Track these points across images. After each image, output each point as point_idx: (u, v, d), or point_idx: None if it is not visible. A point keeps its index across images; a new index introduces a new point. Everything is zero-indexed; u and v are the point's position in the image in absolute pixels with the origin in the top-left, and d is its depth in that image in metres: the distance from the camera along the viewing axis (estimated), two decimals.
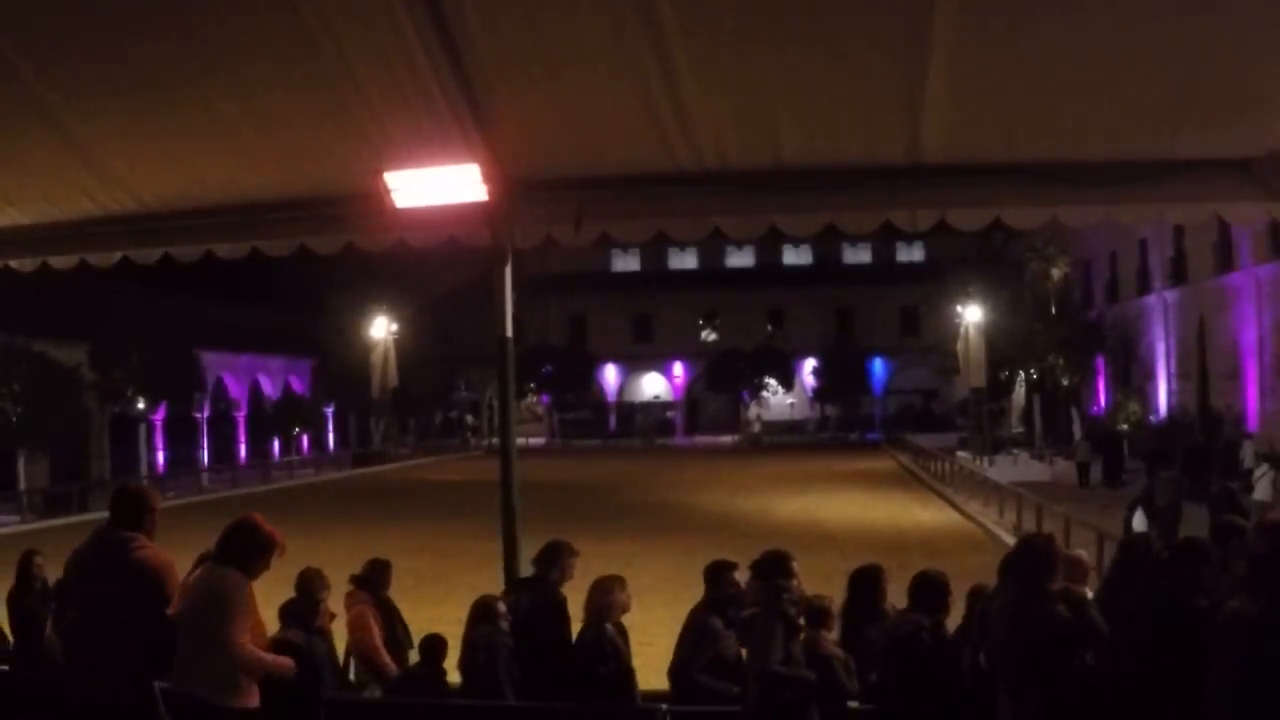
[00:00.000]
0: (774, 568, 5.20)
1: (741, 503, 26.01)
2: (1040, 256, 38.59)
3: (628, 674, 5.63)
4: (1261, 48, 4.70)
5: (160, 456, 40.53)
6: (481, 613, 5.71)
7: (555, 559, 5.94)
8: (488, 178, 5.71)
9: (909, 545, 17.47)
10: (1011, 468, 31.61)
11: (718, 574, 5.55)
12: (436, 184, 5.82)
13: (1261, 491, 16.47)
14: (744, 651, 5.29)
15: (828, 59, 5.03)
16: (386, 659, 6.24)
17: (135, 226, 6.70)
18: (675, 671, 5.48)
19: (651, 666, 6.16)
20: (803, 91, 5.29)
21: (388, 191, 5.84)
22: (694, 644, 5.41)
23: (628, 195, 6.14)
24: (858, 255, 65.60)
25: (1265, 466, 17.41)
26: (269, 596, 5.29)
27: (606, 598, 5.57)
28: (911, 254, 64.88)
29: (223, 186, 6.35)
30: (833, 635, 5.52)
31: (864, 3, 4.78)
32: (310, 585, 5.98)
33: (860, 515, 23.20)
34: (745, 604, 5.19)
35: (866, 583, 5.71)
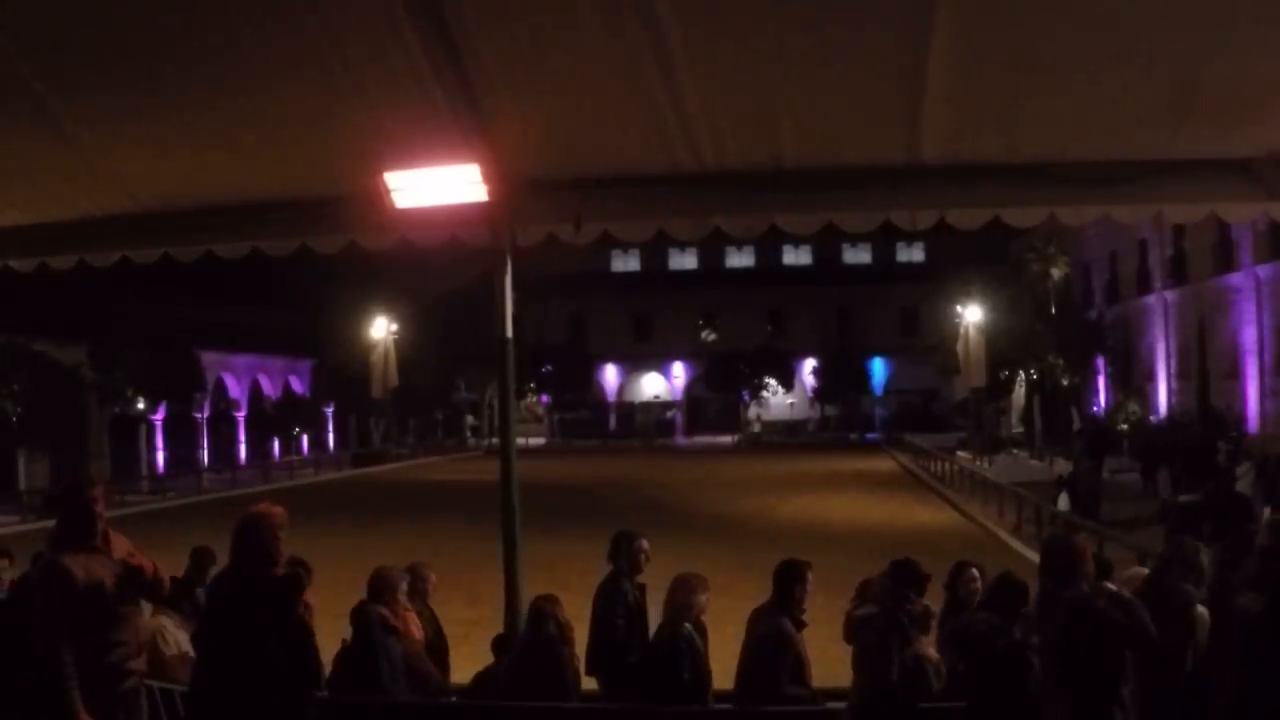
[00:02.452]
0: (910, 578, 5.16)
1: (741, 503, 26.02)
2: (1040, 256, 38.64)
3: (706, 676, 5.58)
4: (1261, 48, 4.70)
5: (160, 456, 40.54)
6: (540, 616, 5.71)
7: (619, 549, 6.03)
8: (488, 178, 5.71)
9: (909, 545, 17.41)
10: (1011, 467, 31.68)
11: (794, 575, 5.46)
12: (437, 184, 5.81)
13: (1243, 488, 17.14)
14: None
15: (828, 59, 5.03)
16: (432, 667, 6.25)
17: (135, 226, 6.69)
18: (757, 681, 5.38)
19: None
20: (803, 91, 5.29)
21: (388, 191, 5.83)
22: (774, 652, 5.33)
23: (628, 195, 6.14)
24: (858, 255, 65.61)
25: (1247, 464, 18.20)
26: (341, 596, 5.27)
27: (689, 597, 5.47)
28: (911, 254, 64.91)
29: (223, 186, 6.35)
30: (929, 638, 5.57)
31: (864, 3, 4.78)
32: (388, 584, 5.95)
33: (860, 515, 23.20)
34: (866, 599, 5.16)
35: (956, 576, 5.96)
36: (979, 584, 5.90)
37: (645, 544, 6.08)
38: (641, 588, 6.01)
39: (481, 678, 6.09)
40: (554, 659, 5.59)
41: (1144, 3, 4.60)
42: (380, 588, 5.91)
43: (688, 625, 5.47)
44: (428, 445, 53.90)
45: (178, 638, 6.20)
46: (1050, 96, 5.18)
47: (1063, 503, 19.39)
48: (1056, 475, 21.13)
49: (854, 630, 5.14)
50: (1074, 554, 4.57)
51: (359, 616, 5.82)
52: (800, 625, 5.37)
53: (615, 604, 5.90)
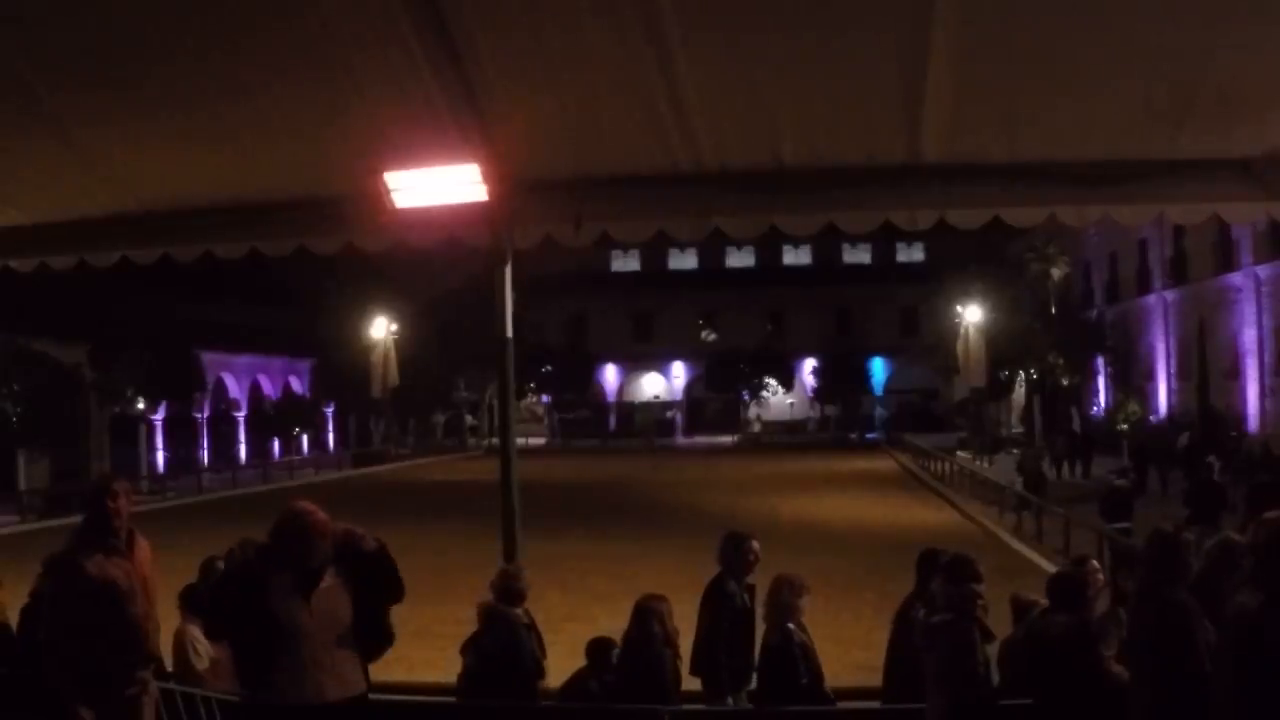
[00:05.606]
0: (965, 572, 5.15)
1: (742, 502, 25.99)
2: (1040, 256, 38.66)
3: (820, 676, 5.59)
4: (1261, 48, 4.70)
5: (160, 456, 40.55)
6: (647, 615, 5.68)
7: (729, 550, 6.00)
8: (488, 178, 5.71)
9: (909, 545, 17.46)
10: (1011, 467, 31.67)
11: (933, 564, 5.53)
12: (436, 184, 5.81)
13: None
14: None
15: (828, 59, 5.04)
16: None
17: (135, 226, 6.68)
18: (901, 671, 5.48)
19: None
20: (803, 91, 5.29)
21: (388, 191, 5.83)
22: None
23: (628, 195, 6.13)
24: (858, 255, 65.63)
25: (1212, 458, 18.83)
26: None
27: (795, 599, 5.48)
28: (911, 254, 64.93)
29: (223, 186, 6.34)
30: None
31: (864, 3, 4.78)
32: (517, 582, 5.95)
33: (860, 515, 23.20)
34: (934, 608, 5.14)
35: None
36: (1101, 575, 5.80)
37: (756, 545, 6.04)
38: (750, 589, 5.97)
39: (575, 681, 6.04)
40: (657, 659, 5.57)
41: (1144, 3, 4.61)
42: (512, 589, 5.89)
43: (792, 625, 5.49)
44: (427, 445, 53.90)
45: (206, 646, 6.15)
46: (1050, 96, 5.18)
47: (1018, 485, 22.29)
48: (1014, 467, 24.79)
49: (927, 639, 5.10)
50: (1178, 550, 4.49)
51: (494, 616, 5.78)
52: None
53: (721, 605, 5.87)
